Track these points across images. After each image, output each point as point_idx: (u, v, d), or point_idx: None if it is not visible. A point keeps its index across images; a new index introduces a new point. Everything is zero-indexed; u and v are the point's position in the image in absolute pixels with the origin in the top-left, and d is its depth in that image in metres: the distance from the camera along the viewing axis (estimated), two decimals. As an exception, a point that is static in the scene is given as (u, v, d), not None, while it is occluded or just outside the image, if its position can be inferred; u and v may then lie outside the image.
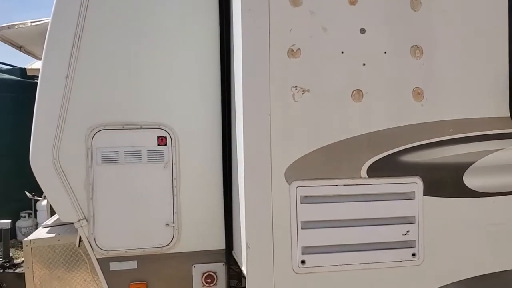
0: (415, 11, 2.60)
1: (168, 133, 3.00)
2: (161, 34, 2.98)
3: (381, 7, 2.58)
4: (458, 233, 2.68)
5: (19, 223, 8.07)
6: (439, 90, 2.63)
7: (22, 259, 3.49)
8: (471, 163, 2.67)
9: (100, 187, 2.93)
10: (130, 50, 2.95)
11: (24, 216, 8.21)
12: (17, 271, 3.57)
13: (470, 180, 2.67)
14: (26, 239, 3.19)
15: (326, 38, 2.52)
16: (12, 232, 7.79)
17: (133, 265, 3.03)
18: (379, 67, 2.58)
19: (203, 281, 3.09)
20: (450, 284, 2.68)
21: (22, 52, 4.32)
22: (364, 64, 2.56)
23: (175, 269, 3.07)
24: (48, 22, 2.99)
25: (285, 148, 2.50)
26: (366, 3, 2.56)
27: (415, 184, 2.62)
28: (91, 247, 2.96)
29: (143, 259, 3.03)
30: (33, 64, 8.27)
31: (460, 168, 2.66)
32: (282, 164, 2.50)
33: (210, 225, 3.06)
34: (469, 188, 2.68)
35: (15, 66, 9.06)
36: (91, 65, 2.90)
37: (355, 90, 2.56)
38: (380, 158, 2.57)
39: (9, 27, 3.76)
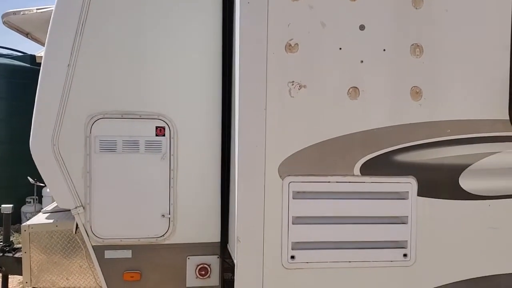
0: (416, 8, 2.57)
1: (167, 124, 3.00)
2: (164, 25, 2.98)
3: (382, 4, 2.55)
4: (452, 235, 2.65)
5: (24, 208, 8.11)
6: (438, 90, 2.60)
7: (22, 243, 3.51)
8: (467, 165, 2.64)
9: (97, 176, 2.95)
10: (132, 41, 2.96)
11: (30, 202, 8.27)
12: (16, 255, 3.57)
13: (466, 182, 2.64)
14: (24, 224, 3.22)
15: (325, 33, 2.50)
16: (18, 217, 7.88)
17: (127, 254, 3.05)
18: (377, 65, 2.55)
19: (197, 273, 3.10)
20: (442, 286, 2.66)
21: (29, 39, 4.36)
22: (362, 61, 2.54)
23: (169, 260, 3.08)
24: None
25: (280, 143, 2.49)
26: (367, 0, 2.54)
27: (409, 184, 2.60)
28: (87, 235, 2.99)
29: (138, 249, 3.05)
30: (41, 52, 8.30)
31: (456, 170, 2.63)
32: (276, 159, 2.49)
33: (206, 218, 3.07)
34: (465, 191, 2.64)
35: (25, 53, 9.08)
36: (93, 54, 2.91)
37: (351, 87, 2.54)
38: (374, 157, 2.55)
39: (14, 13, 3.79)
